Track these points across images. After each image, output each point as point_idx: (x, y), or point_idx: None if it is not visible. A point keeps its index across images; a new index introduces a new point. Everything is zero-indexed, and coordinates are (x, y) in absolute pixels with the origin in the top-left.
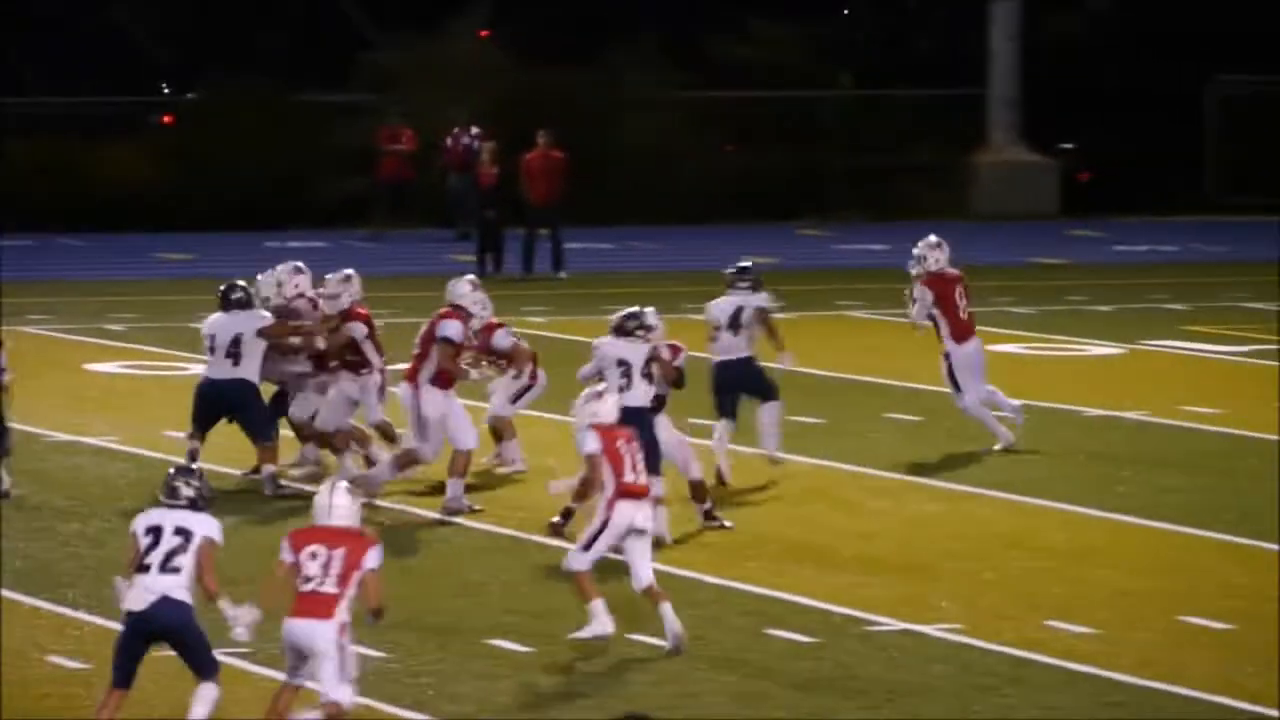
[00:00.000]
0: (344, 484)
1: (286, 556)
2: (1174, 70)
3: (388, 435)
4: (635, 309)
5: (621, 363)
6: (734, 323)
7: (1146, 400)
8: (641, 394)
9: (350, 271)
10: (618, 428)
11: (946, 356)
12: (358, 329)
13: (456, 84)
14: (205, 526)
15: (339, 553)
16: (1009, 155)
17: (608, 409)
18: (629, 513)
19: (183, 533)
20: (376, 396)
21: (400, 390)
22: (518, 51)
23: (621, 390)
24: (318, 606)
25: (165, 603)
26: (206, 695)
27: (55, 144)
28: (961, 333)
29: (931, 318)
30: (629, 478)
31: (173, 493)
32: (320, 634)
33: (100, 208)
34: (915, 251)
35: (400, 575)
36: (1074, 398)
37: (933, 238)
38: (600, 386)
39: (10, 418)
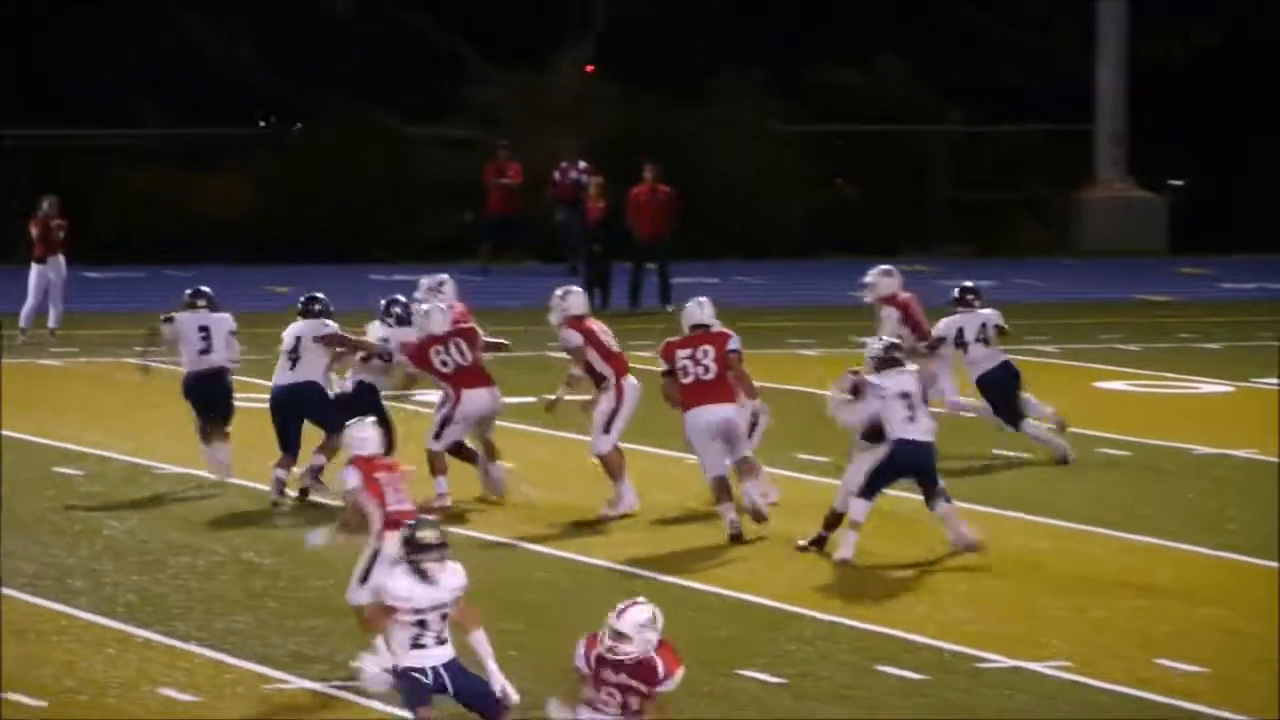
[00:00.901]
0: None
1: None
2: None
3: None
4: (895, 340)
5: (905, 395)
6: (980, 337)
7: (1255, 438)
8: (924, 428)
9: (565, 288)
10: (379, 458)
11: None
12: (570, 337)
13: (563, 118)
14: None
15: None
16: (1117, 191)
17: (372, 439)
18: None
19: None
20: (600, 426)
21: (712, 413)
22: (623, 85)
23: (908, 421)
24: None
25: None
26: None
27: (162, 175)
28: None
29: (901, 338)
30: (394, 506)
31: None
32: None
33: (207, 239)
34: (867, 280)
35: (514, 611)
36: (1183, 435)
37: (884, 266)
38: (369, 419)
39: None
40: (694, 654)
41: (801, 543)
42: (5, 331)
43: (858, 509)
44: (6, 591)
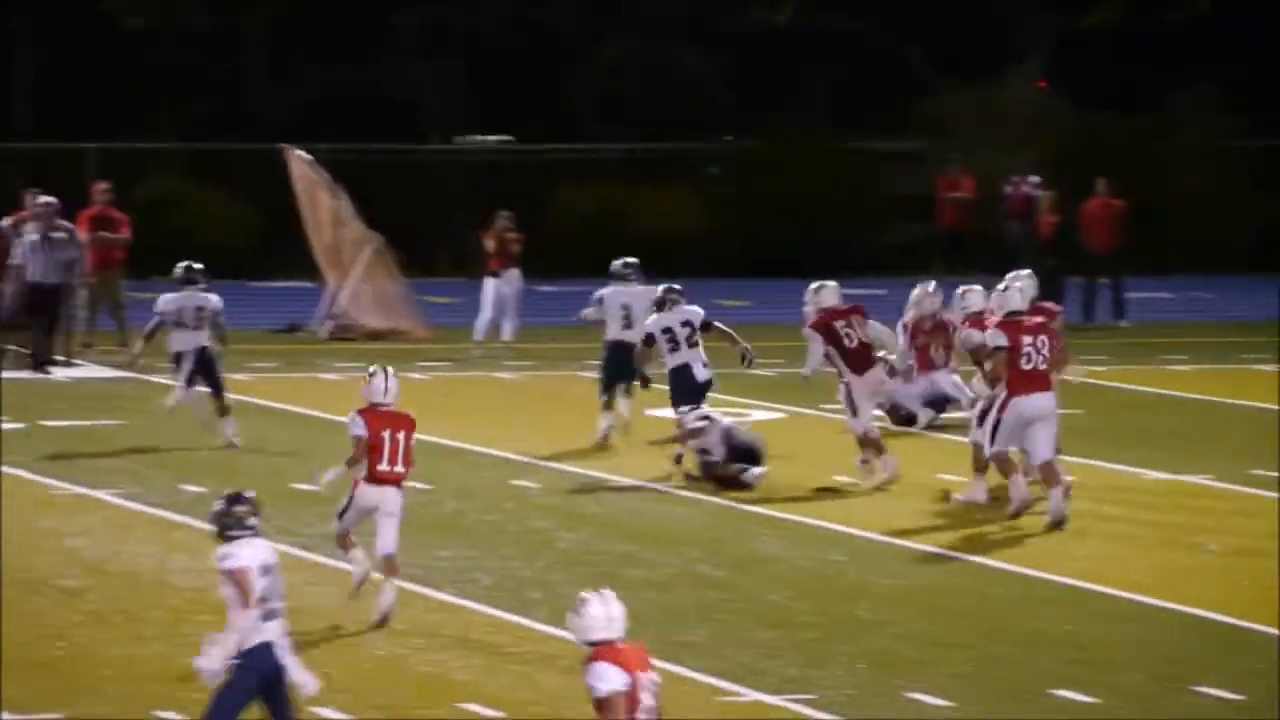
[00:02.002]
0: None
1: None
2: None
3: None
4: None
5: None
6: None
7: None
8: None
9: (965, 287)
10: (391, 416)
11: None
12: (970, 335)
13: (1015, 132)
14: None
15: None
16: None
17: (393, 391)
18: (373, 496)
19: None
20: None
21: (1045, 400)
22: (1076, 100)
23: None
24: None
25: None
26: None
27: (608, 189)
28: (858, 364)
29: (828, 356)
30: (383, 466)
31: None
32: None
33: (656, 254)
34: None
35: (951, 622)
36: None
37: (814, 284)
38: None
39: None
40: (1143, 668)
41: None
42: (460, 344)
43: None
44: (464, 603)
